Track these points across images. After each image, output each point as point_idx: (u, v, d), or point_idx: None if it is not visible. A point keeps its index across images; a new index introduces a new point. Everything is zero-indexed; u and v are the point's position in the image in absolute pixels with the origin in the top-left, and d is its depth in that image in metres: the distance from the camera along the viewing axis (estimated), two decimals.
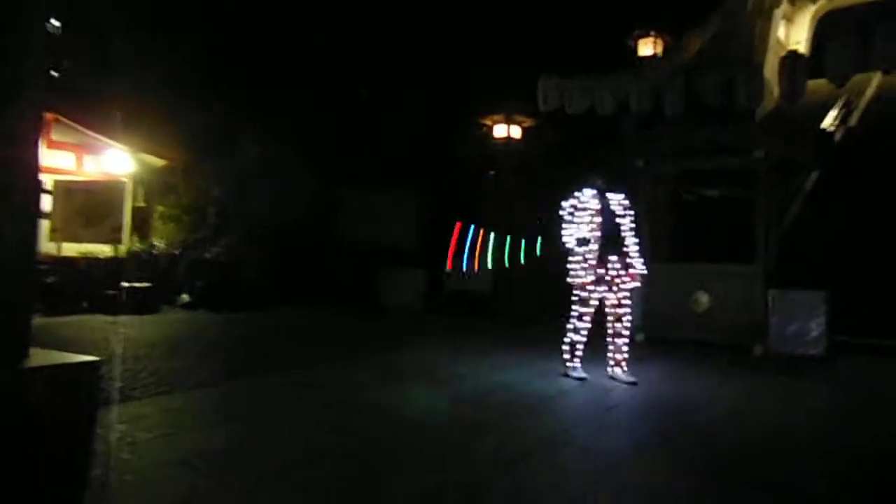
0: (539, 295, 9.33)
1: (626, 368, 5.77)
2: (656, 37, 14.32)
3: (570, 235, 5.69)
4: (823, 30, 16.79)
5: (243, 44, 15.95)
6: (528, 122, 12.68)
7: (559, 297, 5.90)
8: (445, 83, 15.72)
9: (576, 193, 5.74)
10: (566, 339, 5.78)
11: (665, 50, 14.35)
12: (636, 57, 14.05)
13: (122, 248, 12.07)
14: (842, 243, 9.24)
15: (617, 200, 5.76)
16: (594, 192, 5.71)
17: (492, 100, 13.23)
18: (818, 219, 10.37)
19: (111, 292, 10.62)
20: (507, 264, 11.69)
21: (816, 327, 7.31)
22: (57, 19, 12.88)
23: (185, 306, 11.78)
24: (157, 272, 12.13)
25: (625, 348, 5.78)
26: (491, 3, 17.48)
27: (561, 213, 5.75)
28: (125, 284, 10.83)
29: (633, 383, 5.62)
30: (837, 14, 16.98)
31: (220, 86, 14.90)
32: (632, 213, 5.79)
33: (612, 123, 12.46)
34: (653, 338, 8.27)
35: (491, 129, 12.84)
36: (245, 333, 8.91)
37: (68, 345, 4.37)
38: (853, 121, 14.12)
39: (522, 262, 10.64)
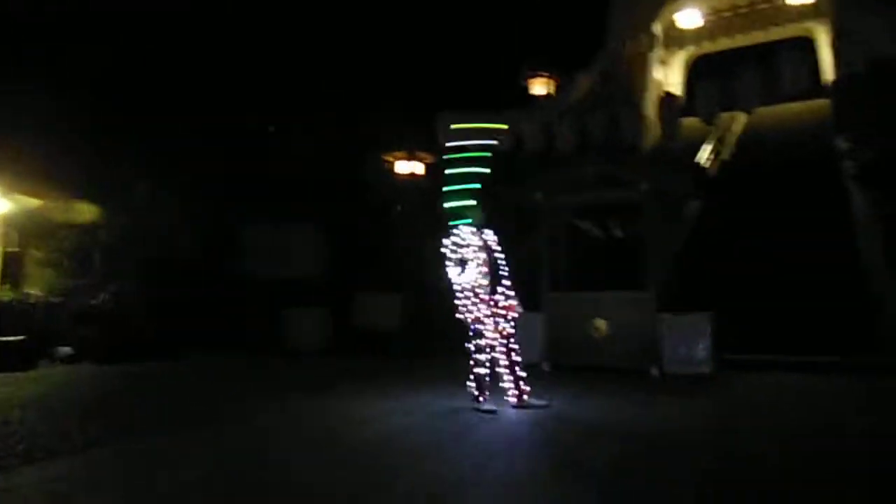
0: (446, 330, 9.36)
1: (531, 393, 5.89)
2: (548, 77, 15.19)
3: (454, 272, 5.76)
4: (694, 73, 18.54)
5: (135, 75, 15.20)
6: (431, 159, 12.91)
7: (465, 333, 5.94)
8: (351, 120, 15.74)
9: (455, 231, 5.86)
10: (472, 375, 5.82)
11: (556, 89, 15.24)
12: (530, 95, 14.80)
13: None
14: (723, 266, 10.01)
15: (491, 236, 5.96)
16: (472, 228, 5.86)
17: (396, 136, 13.39)
18: (701, 245, 11.21)
19: None
20: (415, 300, 11.68)
21: (703, 348, 7.80)
22: None
23: (67, 360, 10.78)
24: (32, 324, 11.07)
25: (523, 374, 5.90)
26: (394, 44, 17.88)
27: (443, 250, 5.84)
28: None
29: (546, 405, 5.75)
30: (705, 59, 18.82)
31: (109, 120, 14.08)
32: (501, 248, 5.95)
33: (512, 158, 12.95)
34: (558, 365, 8.48)
35: (394, 165, 12.94)
36: (130, 390, 8.23)
37: None
38: (726, 154, 15.53)
39: (429, 297, 10.66)
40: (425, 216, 12.48)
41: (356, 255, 13.54)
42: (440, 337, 10.11)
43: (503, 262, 5.96)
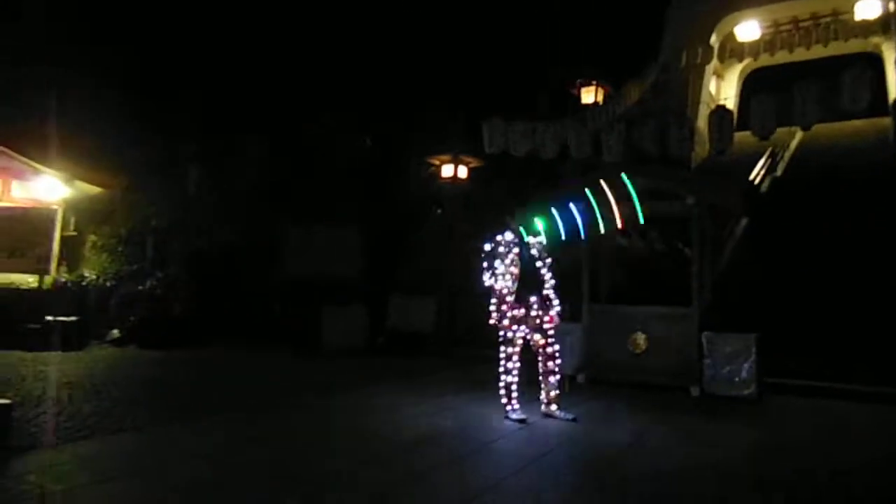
0: (479, 334, 9.36)
1: (560, 405, 5.84)
2: (598, 86, 15.01)
3: (490, 277, 5.75)
4: (749, 86, 18.05)
5: (192, 70, 15.69)
6: (475, 163, 12.90)
7: (496, 338, 5.92)
8: (396, 121, 15.90)
9: (496, 237, 5.84)
10: (501, 382, 5.79)
11: (606, 98, 15.06)
12: (579, 104, 14.65)
13: (49, 280, 11.47)
14: (770, 287, 9.69)
15: (536, 242, 5.91)
16: (513, 235, 5.83)
17: (441, 140, 13.45)
18: (749, 263, 10.88)
19: (33, 326, 10.03)
20: (450, 303, 11.68)
21: (747, 369, 7.55)
22: None
23: (115, 342, 11.21)
24: (86, 305, 11.55)
25: (557, 385, 5.87)
26: (443, 48, 18.02)
27: (482, 255, 5.83)
28: (50, 318, 10.25)
29: (573, 420, 5.71)
30: (761, 72, 18.32)
31: (168, 111, 14.60)
32: (548, 255, 5.94)
33: (556, 166, 12.86)
34: (594, 379, 8.35)
35: (439, 168, 12.99)
36: (174, 373, 8.52)
37: None
38: (779, 171, 15.04)
39: (464, 301, 10.66)
40: (465, 220, 12.49)
41: (394, 257, 13.62)
42: (473, 341, 10.13)
43: (546, 271, 5.92)
